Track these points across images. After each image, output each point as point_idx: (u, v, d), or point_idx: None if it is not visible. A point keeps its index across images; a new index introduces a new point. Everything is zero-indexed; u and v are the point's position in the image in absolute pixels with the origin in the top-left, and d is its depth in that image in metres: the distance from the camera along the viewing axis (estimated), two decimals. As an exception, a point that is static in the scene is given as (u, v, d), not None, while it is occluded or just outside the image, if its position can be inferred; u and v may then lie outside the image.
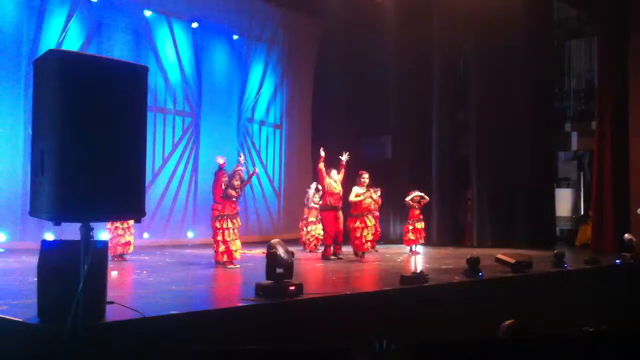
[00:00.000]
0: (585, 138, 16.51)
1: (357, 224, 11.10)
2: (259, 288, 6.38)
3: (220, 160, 10.22)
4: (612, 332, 4.99)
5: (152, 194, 13.90)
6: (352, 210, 11.33)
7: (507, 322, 4.88)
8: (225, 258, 9.59)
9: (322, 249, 12.08)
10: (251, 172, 11.05)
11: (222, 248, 9.62)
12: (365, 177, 11.33)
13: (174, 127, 15.15)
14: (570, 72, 18.47)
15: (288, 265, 6.50)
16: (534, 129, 15.37)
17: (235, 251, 9.66)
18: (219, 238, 9.63)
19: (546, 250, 11.88)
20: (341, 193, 11.60)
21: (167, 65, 14.83)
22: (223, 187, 9.98)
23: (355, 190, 11.27)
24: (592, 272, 10.40)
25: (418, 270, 8.04)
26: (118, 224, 10.23)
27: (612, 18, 14.43)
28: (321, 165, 11.44)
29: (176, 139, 15.17)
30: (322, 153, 11.47)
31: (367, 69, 17.40)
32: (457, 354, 4.09)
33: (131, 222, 10.34)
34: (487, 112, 15.62)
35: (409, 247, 13.31)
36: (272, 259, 6.46)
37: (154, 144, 14.22)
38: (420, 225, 13.33)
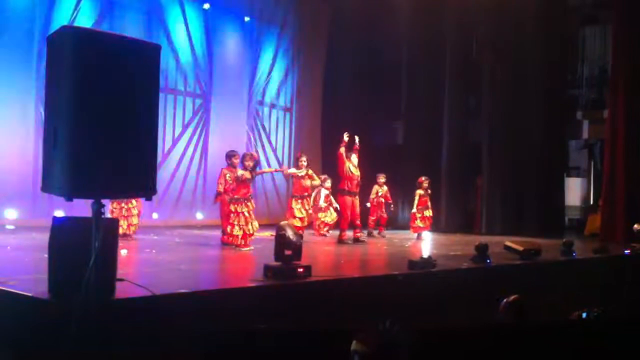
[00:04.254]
0: (597, 126, 16.40)
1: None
2: (268, 269, 6.39)
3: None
4: (611, 318, 5.01)
5: (162, 175, 13.89)
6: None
7: (510, 297, 4.92)
8: (240, 241, 9.50)
9: (329, 234, 12.26)
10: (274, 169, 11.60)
11: (237, 231, 9.49)
12: (304, 159, 11.74)
13: (184, 109, 15.16)
14: (584, 60, 18.31)
15: (297, 248, 6.51)
16: (545, 117, 15.31)
17: (252, 234, 9.60)
18: (235, 222, 9.50)
19: (555, 239, 11.85)
20: (359, 178, 11.66)
21: (179, 47, 14.80)
22: (220, 186, 10.17)
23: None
24: (600, 261, 10.38)
25: (426, 256, 8.05)
26: (123, 204, 10.27)
27: (627, 5, 14.28)
28: (342, 149, 11.43)
29: (186, 120, 15.18)
30: (346, 137, 11.46)
31: (379, 53, 17.32)
32: (459, 340, 4.10)
33: (134, 202, 10.38)
34: (498, 99, 15.57)
35: (416, 234, 13.33)
36: (281, 240, 6.48)
37: (164, 125, 14.23)
38: (429, 212, 13.34)
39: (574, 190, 18.41)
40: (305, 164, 11.67)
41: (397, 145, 17.90)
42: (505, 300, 4.88)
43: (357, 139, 11.77)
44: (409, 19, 16.47)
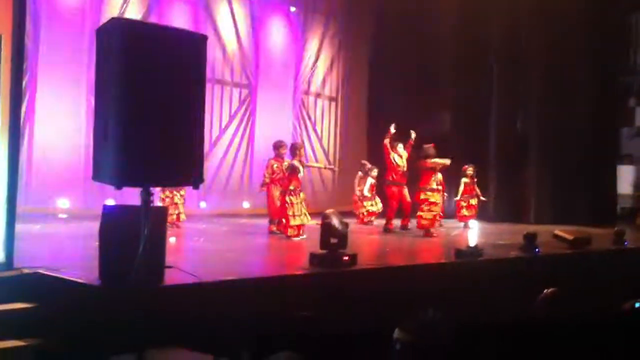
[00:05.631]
0: (651, 113, 15.99)
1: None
2: (314, 258, 6.43)
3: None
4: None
5: (209, 164, 14.08)
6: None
7: (548, 290, 4.83)
8: (296, 231, 9.57)
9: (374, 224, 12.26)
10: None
11: (294, 221, 9.55)
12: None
13: (230, 99, 15.29)
14: (637, 46, 17.82)
15: (342, 236, 6.54)
16: (596, 104, 14.97)
17: (303, 225, 9.65)
18: (291, 212, 9.56)
19: (606, 228, 11.59)
20: (405, 168, 11.63)
21: (225, 38, 14.94)
22: (267, 176, 10.36)
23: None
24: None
25: (473, 245, 7.97)
26: (175, 192, 10.42)
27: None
28: (387, 140, 11.41)
29: (233, 111, 15.31)
30: (393, 129, 11.43)
31: (425, 42, 17.13)
32: (503, 330, 4.05)
33: (182, 192, 10.52)
34: (547, 86, 15.28)
35: (462, 223, 13.23)
36: (326, 229, 6.51)
37: (211, 115, 14.38)
38: (474, 201, 13.24)
39: (626, 179, 17.99)
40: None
41: (445, 134, 17.69)
42: (544, 293, 4.79)
43: (413, 134, 11.74)
44: (456, 7, 16.26)
